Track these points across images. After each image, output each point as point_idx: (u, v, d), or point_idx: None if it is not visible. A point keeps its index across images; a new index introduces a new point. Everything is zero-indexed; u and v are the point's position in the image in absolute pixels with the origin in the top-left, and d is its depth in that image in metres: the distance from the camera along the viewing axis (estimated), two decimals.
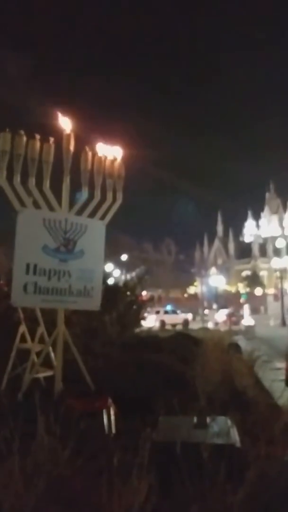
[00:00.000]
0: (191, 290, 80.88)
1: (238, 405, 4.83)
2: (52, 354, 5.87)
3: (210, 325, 33.45)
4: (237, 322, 32.30)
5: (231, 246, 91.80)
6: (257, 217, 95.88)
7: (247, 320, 28.36)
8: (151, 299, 20.57)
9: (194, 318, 40.12)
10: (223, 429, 3.72)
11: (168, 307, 39.15)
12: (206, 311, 44.63)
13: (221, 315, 38.96)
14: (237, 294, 65.70)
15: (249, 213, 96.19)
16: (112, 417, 4.65)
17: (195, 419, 3.85)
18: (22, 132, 5.52)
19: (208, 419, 3.79)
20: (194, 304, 54.00)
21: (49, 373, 5.85)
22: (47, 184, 5.75)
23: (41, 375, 5.94)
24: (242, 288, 75.14)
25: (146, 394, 5.27)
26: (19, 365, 6.22)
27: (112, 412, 4.69)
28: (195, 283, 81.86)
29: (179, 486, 2.79)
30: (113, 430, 4.56)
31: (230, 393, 5.74)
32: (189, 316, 39.12)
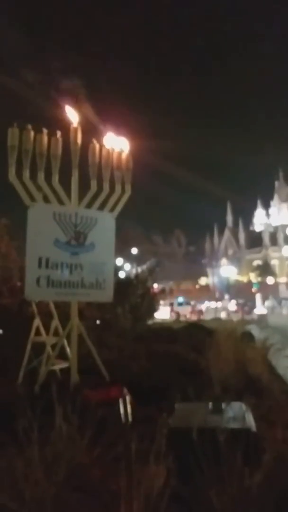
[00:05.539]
0: (203, 281, 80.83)
1: (252, 392, 4.84)
2: (67, 347, 5.93)
3: (222, 315, 33.52)
4: (249, 312, 32.34)
5: (242, 236, 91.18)
6: (266, 206, 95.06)
7: (260, 309, 28.36)
8: (162, 292, 20.65)
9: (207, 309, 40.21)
10: (239, 414, 3.74)
11: (180, 299, 39.30)
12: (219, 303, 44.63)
13: (232, 305, 39.08)
14: (249, 284, 65.50)
15: (259, 202, 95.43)
16: (128, 406, 4.69)
17: (210, 405, 3.88)
18: (29, 127, 5.56)
19: (223, 405, 3.81)
20: (206, 295, 54.11)
21: (64, 365, 5.92)
22: (56, 178, 5.79)
23: (57, 367, 6.02)
24: (253, 277, 74.85)
25: (161, 383, 5.32)
26: (35, 358, 6.30)
27: (128, 401, 4.73)
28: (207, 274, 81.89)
29: (197, 470, 2.82)
30: (130, 419, 4.60)
31: (244, 381, 5.76)
32: (203, 307, 39.32)
